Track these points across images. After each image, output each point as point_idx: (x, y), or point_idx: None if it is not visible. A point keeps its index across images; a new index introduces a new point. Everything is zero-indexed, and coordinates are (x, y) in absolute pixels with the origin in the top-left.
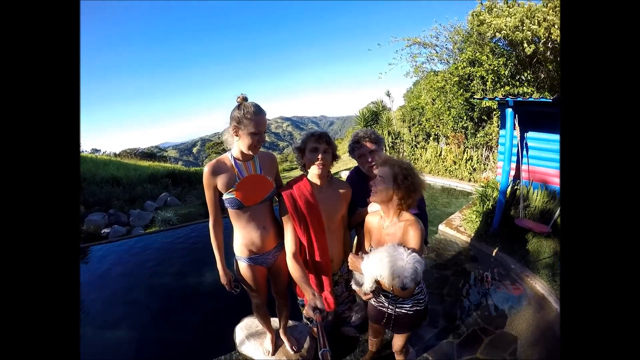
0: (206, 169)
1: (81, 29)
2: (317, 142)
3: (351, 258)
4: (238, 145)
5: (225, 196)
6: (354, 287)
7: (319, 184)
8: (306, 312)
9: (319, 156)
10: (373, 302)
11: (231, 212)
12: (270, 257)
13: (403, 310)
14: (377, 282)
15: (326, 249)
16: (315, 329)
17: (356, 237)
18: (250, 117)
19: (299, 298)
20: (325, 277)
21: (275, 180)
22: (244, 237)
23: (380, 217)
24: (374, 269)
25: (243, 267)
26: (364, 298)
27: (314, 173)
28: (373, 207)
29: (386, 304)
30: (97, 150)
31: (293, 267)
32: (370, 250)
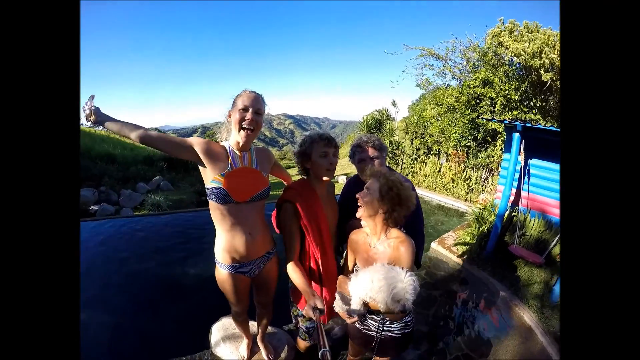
0: (202, 140)
1: (89, 12)
2: (326, 146)
3: (339, 279)
4: (234, 135)
5: (210, 184)
6: (337, 309)
7: (322, 189)
8: (306, 312)
9: (331, 162)
10: (358, 325)
11: (214, 210)
12: (254, 267)
13: (390, 334)
14: (366, 303)
15: (335, 257)
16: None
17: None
18: (240, 94)
19: (299, 309)
20: (333, 286)
21: (281, 174)
22: (226, 241)
23: (366, 235)
24: (363, 290)
25: (223, 274)
26: (349, 322)
27: (321, 178)
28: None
29: (373, 328)
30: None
31: (295, 272)
32: (356, 270)
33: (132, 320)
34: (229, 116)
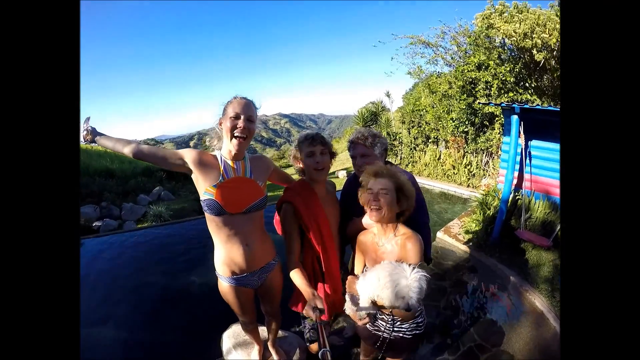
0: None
1: (80, 21)
2: (311, 145)
3: (348, 280)
4: (225, 145)
5: (203, 196)
6: (348, 311)
7: (321, 188)
8: (306, 312)
9: (317, 160)
10: (368, 326)
11: (210, 222)
12: (255, 278)
13: (400, 334)
14: (374, 302)
15: (337, 255)
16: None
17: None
18: (230, 101)
19: (307, 318)
20: (338, 283)
21: (284, 181)
22: (224, 254)
23: (373, 234)
24: (370, 288)
25: (225, 287)
26: (360, 324)
27: (314, 178)
28: (367, 219)
29: (382, 328)
30: (92, 141)
31: (295, 272)
32: (365, 270)
33: (143, 333)
34: (220, 124)
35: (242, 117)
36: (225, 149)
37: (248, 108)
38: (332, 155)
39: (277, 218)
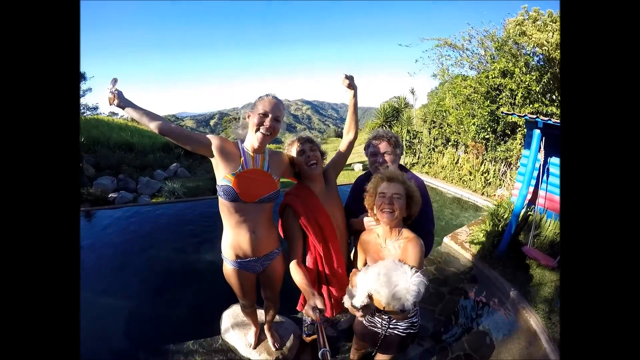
0: (218, 138)
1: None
2: (300, 145)
3: (352, 273)
4: (249, 137)
5: (221, 182)
6: (346, 303)
7: (318, 187)
8: (306, 311)
9: (308, 155)
10: (365, 322)
11: (222, 207)
12: (258, 264)
13: (395, 332)
14: (370, 297)
15: (341, 254)
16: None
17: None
18: (262, 98)
19: (306, 317)
20: (343, 281)
21: (294, 175)
22: (231, 238)
23: (377, 235)
24: (369, 283)
25: (229, 269)
26: (357, 315)
27: (309, 174)
28: (369, 221)
29: (378, 325)
30: (114, 114)
31: (296, 271)
32: (368, 265)
33: (147, 304)
34: (248, 116)
35: (270, 116)
36: (249, 141)
37: (277, 108)
38: (322, 153)
39: (280, 223)
